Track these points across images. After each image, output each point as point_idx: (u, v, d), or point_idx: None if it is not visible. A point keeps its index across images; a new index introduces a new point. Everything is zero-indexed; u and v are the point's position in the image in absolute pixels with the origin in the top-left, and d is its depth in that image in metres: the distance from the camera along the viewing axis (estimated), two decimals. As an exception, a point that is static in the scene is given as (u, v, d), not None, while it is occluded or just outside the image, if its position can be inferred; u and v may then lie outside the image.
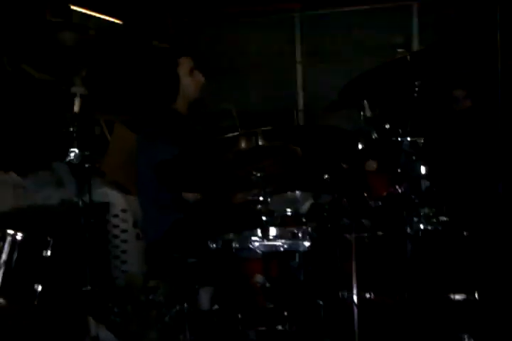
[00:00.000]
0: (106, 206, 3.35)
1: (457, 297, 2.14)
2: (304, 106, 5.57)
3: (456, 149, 2.83)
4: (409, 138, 2.31)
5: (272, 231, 2.10)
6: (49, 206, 3.25)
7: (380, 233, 2.32)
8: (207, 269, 2.33)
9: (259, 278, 2.00)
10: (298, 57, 5.57)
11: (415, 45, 5.23)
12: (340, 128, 2.18)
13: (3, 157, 3.24)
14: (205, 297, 2.44)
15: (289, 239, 1.99)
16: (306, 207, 2.37)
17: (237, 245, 2.03)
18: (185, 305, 2.25)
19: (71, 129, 2.32)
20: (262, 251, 1.96)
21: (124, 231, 3.38)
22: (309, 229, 2.14)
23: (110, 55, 3.66)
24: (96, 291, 2.41)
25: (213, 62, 5.18)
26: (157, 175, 2.21)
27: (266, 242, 1.98)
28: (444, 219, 2.37)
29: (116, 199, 3.40)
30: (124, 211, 3.39)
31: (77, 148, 2.33)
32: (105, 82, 3.39)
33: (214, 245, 2.06)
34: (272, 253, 2.00)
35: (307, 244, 1.97)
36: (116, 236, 3.39)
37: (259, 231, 2.09)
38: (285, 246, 1.96)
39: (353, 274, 2.08)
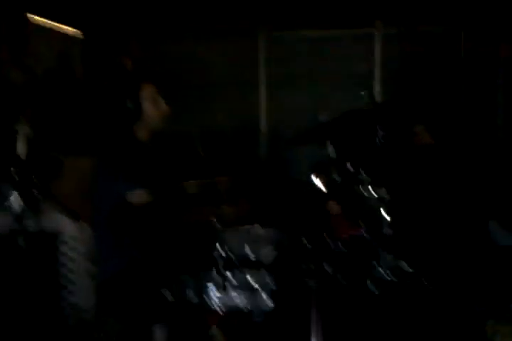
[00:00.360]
0: (55, 232, 3.18)
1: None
2: (268, 128, 5.54)
3: (420, 195, 2.80)
4: (372, 190, 2.29)
5: (231, 280, 2.00)
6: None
7: (342, 280, 2.26)
8: (162, 309, 2.21)
9: (215, 330, 1.90)
10: (262, 79, 5.53)
11: (377, 74, 5.29)
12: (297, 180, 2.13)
13: None
14: (160, 335, 2.32)
15: (250, 296, 1.89)
16: (268, 255, 2.25)
17: (194, 294, 1.92)
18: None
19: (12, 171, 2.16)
20: (221, 307, 1.86)
21: (72, 259, 3.21)
22: (270, 279, 2.05)
23: (61, 89, 3.50)
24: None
25: (175, 82, 5.09)
26: (109, 226, 2.10)
27: (225, 297, 1.88)
28: (406, 267, 2.33)
29: (66, 225, 3.23)
30: (73, 238, 3.22)
31: (18, 195, 2.17)
32: (55, 115, 3.23)
33: (169, 293, 1.95)
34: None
35: (269, 303, 1.87)
36: (63, 265, 3.21)
37: (215, 275, 1.99)
38: (245, 305, 1.86)
39: (315, 325, 2.01)
